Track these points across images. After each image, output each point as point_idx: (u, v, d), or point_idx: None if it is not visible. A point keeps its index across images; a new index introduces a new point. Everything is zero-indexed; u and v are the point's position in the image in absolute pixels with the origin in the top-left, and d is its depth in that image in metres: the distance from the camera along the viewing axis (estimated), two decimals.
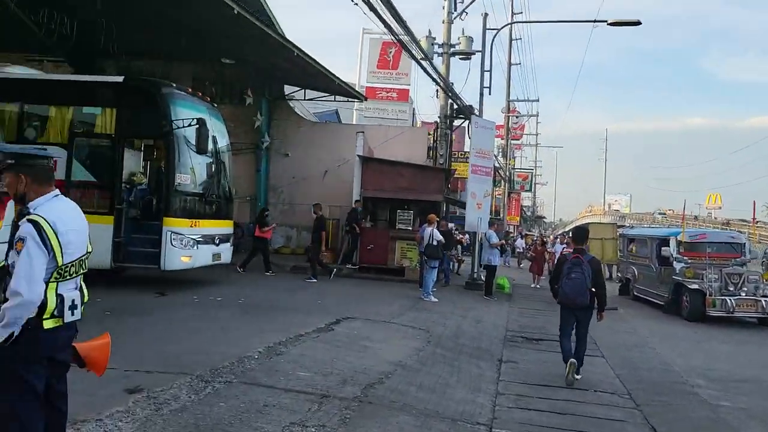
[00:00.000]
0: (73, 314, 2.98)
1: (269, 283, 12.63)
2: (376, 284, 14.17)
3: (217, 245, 11.17)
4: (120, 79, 10.42)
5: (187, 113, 10.03)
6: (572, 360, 6.97)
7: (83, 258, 3.05)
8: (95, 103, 10.31)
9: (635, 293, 16.86)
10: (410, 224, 15.74)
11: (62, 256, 2.86)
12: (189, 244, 10.25)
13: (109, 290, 10.06)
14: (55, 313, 2.87)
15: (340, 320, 8.89)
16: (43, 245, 2.79)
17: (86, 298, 3.13)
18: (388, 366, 6.57)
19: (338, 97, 19.62)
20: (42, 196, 2.95)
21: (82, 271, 3.05)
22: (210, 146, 10.54)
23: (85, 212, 9.02)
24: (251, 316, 8.77)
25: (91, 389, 4.66)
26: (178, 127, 9.86)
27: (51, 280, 2.85)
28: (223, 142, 11.64)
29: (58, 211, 2.93)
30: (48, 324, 2.85)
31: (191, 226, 10.31)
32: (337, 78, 16.36)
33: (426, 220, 13.01)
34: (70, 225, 2.97)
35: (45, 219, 2.82)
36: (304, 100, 19.79)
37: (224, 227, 11.53)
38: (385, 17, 10.93)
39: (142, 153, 11.22)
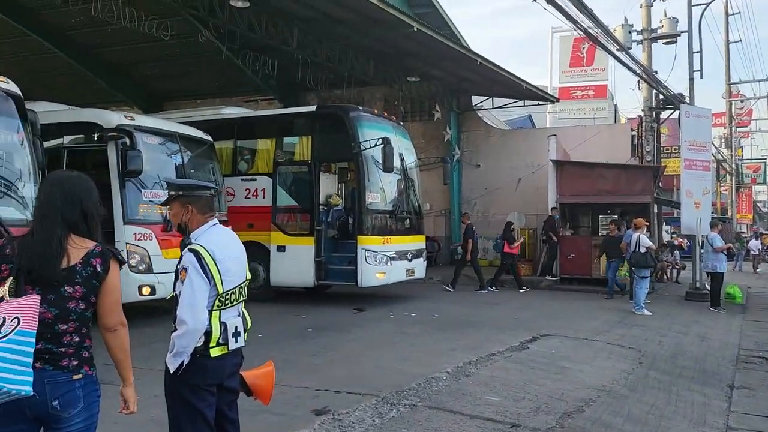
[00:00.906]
0: (237, 341, 3.00)
1: (466, 298, 12.41)
2: (578, 297, 13.20)
3: (410, 261, 11.29)
4: (312, 108, 11.15)
5: (373, 134, 10.34)
6: None
7: (242, 285, 3.08)
8: (293, 133, 11.14)
9: None
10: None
11: (222, 284, 2.90)
12: (383, 261, 10.49)
13: (313, 307, 10.72)
14: (220, 340, 2.91)
15: (537, 338, 8.34)
16: (204, 273, 2.84)
17: (249, 325, 3.15)
18: (589, 392, 5.92)
19: (528, 102, 18.91)
20: (202, 225, 3.04)
21: (242, 298, 3.08)
22: (397, 164, 10.72)
23: (289, 234, 9.69)
24: (443, 333, 8.62)
25: (283, 409, 4.85)
26: (366, 148, 10.21)
27: (213, 308, 2.90)
28: (410, 158, 11.79)
29: (216, 239, 3.00)
30: (214, 352, 2.90)
31: (384, 243, 10.55)
32: (524, 82, 15.75)
33: (631, 225, 11.79)
34: (228, 252, 3.01)
35: (204, 248, 2.89)
36: (492, 108, 19.42)
37: (416, 242, 11.63)
38: (570, 13, 10.21)
39: (336, 176, 11.83)
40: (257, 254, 10.95)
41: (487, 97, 18.74)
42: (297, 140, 11.02)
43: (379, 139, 10.10)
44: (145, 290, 8.57)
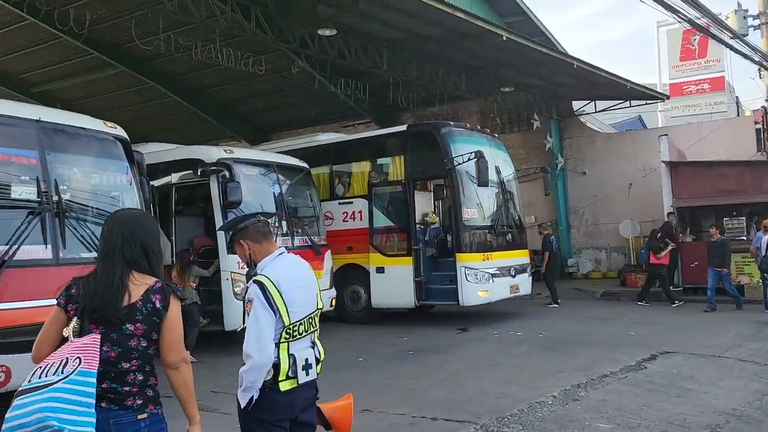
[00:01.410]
0: (307, 374, 2.87)
1: (576, 314, 11.73)
2: (704, 308, 12.07)
3: (514, 277, 10.87)
4: (404, 127, 11.12)
5: (466, 148, 10.12)
6: None
7: (312, 315, 2.97)
8: (386, 154, 11.16)
9: None
10: (743, 233, 13.14)
11: (288, 315, 2.79)
12: (484, 278, 10.18)
13: (416, 328, 10.57)
14: (290, 374, 2.81)
15: (656, 356, 7.66)
16: (269, 305, 2.76)
17: (322, 357, 3.03)
18: (716, 416, 5.30)
19: (634, 102, 17.82)
20: (266, 256, 2.95)
21: (312, 329, 2.97)
22: (493, 177, 10.42)
23: (387, 255, 9.64)
24: (550, 352, 8.16)
25: None
26: (459, 163, 10.01)
27: (281, 340, 2.80)
28: (507, 171, 11.43)
29: (282, 269, 2.89)
30: (284, 386, 2.80)
31: (484, 260, 10.24)
32: (627, 81, 14.86)
33: (761, 227, 10.65)
34: (295, 282, 2.90)
35: (269, 278, 2.81)
36: (596, 112, 18.47)
37: (519, 258, 11.19)
38: (672, 4, 9.51)
39: (432, 193, 11.69)
40: (357, 276, 11.04)
41: (588, 101, 17.88)
42: (390, 160, 11.03)
43: (472, 153, 9.86)
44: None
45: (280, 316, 2.78)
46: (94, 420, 2.16)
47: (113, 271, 2.38)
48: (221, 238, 8.80)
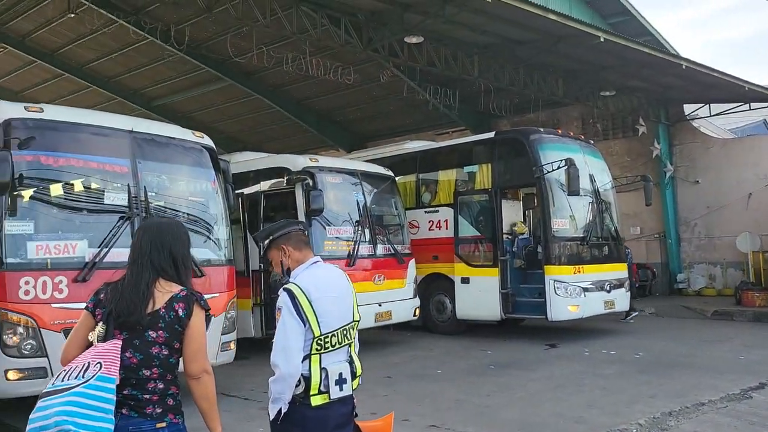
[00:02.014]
0: (341, 389, 2.72)
1: (682, 333, 10.83)
2: None
3: (609, 292, 10.22)
4: (491, 134, 10.84)
5: (556, 155, 9.68)
6: None
7: (347, 327, 2.81)
8: (473, 162, 10.91)
9: None
10: None
11: (319, 326, 2.66)
12: (575, 293, 9.65)
13: (503, 342, 10.22)
14: (322, 388, 2.68)
15: (765, 384, 6.87)
16: (297, 314, 2.65)
17: (359, 371, 2.89)
18: None
19: (755, 105, 16.26)
20: (301, 264, 2.87)
21: (347, 341, 2.81)
22: (586, 186, 9.90)
23: (473, 265, 9.44)
24: (644, 375, 7.56)
25: None
26: (548, 171, 9.59)
27: (312, 352, 2.68)
28: (603, 179, 10.79)
29: (314, 277, 2.79)
30: (316, 401, 2.67)
31: (575, 273, 9.72)
32: (746, 82, 13.58)
33: None
34: (327, 292, 2.77)
35: (299, 286, 2.71)
36: (710, 116, 17.06)
37: (615, 271, 10.51)
38: None
39: (520, 203, 11.28)
40: (443, 286, 10.86)
41: (702, 105, 16.56)
42: (477, 168, 10.77)
43: (562, 160, 9.41)
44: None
45: (310, 326, 2.67)
46: (111, 426, 2.16)
47: (140, 278, 2.41)
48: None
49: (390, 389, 7.12)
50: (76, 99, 20.31)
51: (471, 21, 11.12)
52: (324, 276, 2.86)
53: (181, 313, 2.38)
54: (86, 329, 2.41)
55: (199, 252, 6.72)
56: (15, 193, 5.48)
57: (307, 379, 2.67)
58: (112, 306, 2.36)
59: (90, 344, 2.35)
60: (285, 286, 2.75)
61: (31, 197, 5.62)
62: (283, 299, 2.70)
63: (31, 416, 2.18)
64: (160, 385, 2.35)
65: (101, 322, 2.36)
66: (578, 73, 14.15)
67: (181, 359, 2.43)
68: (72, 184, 5.82)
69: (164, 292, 2.41)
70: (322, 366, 2.70)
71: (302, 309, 2.66)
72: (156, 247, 2.47)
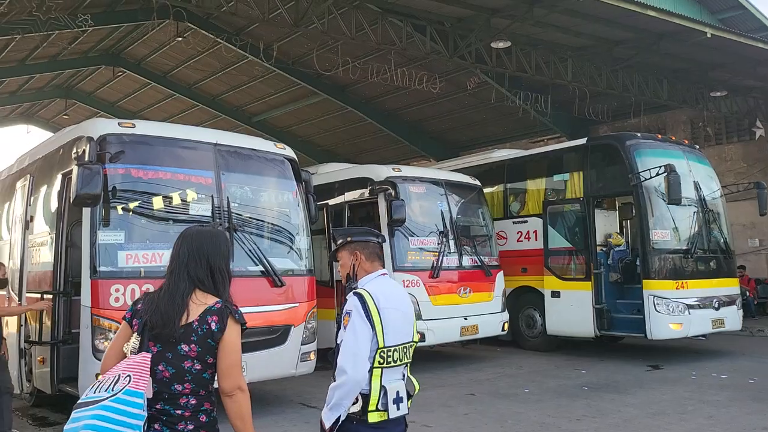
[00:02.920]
0: (398, 408, 2.64)
1: None
2: None
3: (717, 309, 9.33)
4: (583, 141, 10.27)
5: (655, 162, 8.99)
6: None
7: (408, 345, 2.74)
8: (564, 170, 10.39)
9: None
10: None
11: (383, 336, 2.60)
12: (678, 310, 8.89)
13: (599, 361, 9.61)
14: (380, 406, 2.60)
15: None
16: (367, 319, 2.60)
17: (416, 390, 2.79)
18: None
19: None
20: (369, 274, 2.82)
21: (406, 360, 2.73)
22: (689, 194, 9.13)
23: (563, 279, 9.02)
24: (758, 403, 6.79)
25: None
26: (646, 179, 8.91)
27: (375, 365, 2.60)
28: (711, 186, 9.91)
29: (381, 287, 2.74)
30: (373, 417, 2.59)
31: (677, 288, 8.95)
32: None
33: None
34: (392, 303, 2.71)
35: (369, 292, 2.67)
36: None
37: (725, 287, 9.59)
38: None
39: (617, 213, 10.60)
40: (532, 300, 10.42)
41: None
42: (568, 177, 10.24)
43: (661, 166, 8.73)
44: (415, 337, 8.74)
45: (376, 334, 2.60)
46: None
47: (176, 289, 2.33)
48: (387, 255, 8.90)
49: (472, 408, 6.86)
50: (185, 117, 21.65)
51: (562, 22, 10.68)
52: (391, 289, 2.82)
53: (213, 327, 2.28)
54: (124, 340, 2.36)
55: (280, 262, 6.84)
56: (107, 204, 5.79)
57: (365, 395, 2.59)
58: (147, 317, 2.30)
59: (124, 355, 2.31)
60: (355, 290, 2.71)
61: (122, 208, 5.93)
62: (353, 303, 2.65)
63: (65, 427, 2.16)
64: (193, 401, 2.27)
65: (136, 334, 2.31)
66: (684, 73, 13.19)
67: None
68: (160, 196, 6.09)
69: (199, 304, 2.32)
70: (382, 383, 2.62)
71: (371, 314, 2.61)
72: (193, 257, 2.39)
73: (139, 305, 2.38)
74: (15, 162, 8.37)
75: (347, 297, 2.71)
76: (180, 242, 2.47)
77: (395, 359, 2.64)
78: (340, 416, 2.58)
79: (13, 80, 19.51)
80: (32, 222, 6.73)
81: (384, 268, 2.90)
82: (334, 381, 2.60)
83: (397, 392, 2.64)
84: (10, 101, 22.06)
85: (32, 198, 6.89)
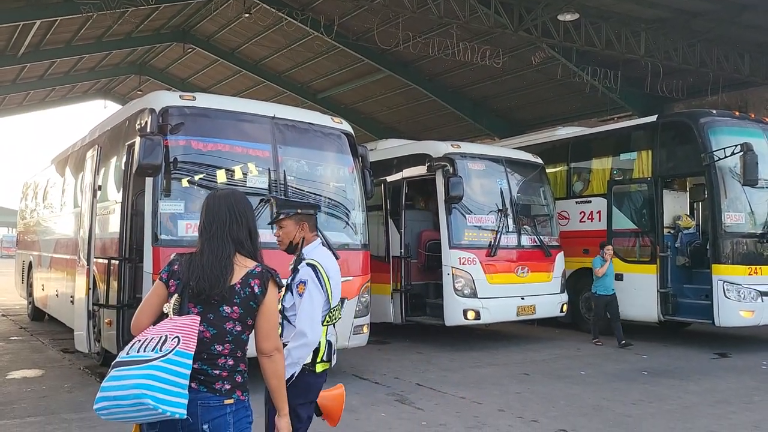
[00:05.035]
0: (335, 359, 3.13)
1: None
2: None
3: None
4: (653, 118, 9.77)
5: (731, 141, 8.47)
6: None
7: (340, 303, 3.21)
8: (631, 148, 9.98)
9: None
10: None
11: (332, 299, 3.03)
12: (750, 296, 8.44)
13: (662, 346, 9.30)
14: (324, 357, 3.03)
15: None
16: (321, 286, 2.97)
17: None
18: None
19: None
20: (311, 243, 3.13)
21: (339, 316, 3.17)
22: (767, 175, 8.55)
23: (627, 261, 8.76)
24: None
25: None
26: (720, 158, 8.42)
27: (325, 322, 3.02)
28: None
29: (324, 257, 3.11)
30: (319, 368, 3.01)
31: (750, 274, 8.48)
32: None
33: None
34: (334, 270, 3.11)
35: (319, 263, 3.02)
36: None
37: None
38: None
39: (687, 194, 10.08)
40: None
41: None
42: (635, 156, 9.81)
43: (736, 146, 8.22)
44: (470, 314, 8.70)
45: (328, 297, 3.00)
46: (186, 401, 2.14)
47: (222, 251, 2.35)
48: (444, 232, 8.84)
49: (524, 387, 6.77)
50: (252, 93, 22.06)
51: None
52: (331, 258, 3.17)
53: (257, 290, 2.33)
54: (158, 299, 2.40)
55: (336, 236, 6.89)
56: (168, 175, 5.98)
57: (315, 348, 2.98)
58: (191, 279, 2.32)
59: (164, 315, 2.35)
60: (307, 261, 3.03)
61: (182, 179, 6.11)
62: (308, 273, 2.99)
63: (103, 384, 2.16)
64: (230, 362, 2.31)
65: (176, 295, 2.34)
66: None
67: (251, 336, 2.40)
68: (218, 168, 6.23)
69: (241, 266, 2.36)
70: (328, 338, 3.06)
71: (324, 281, 2.99)
72: (235, 219, 2.42)
73: (176, 266, 2.40)
74: (87, 134, 8.79)
75: (299, 267, 3.03)
76: (218, 203, 2.47)
77: (337, 317, 3.11)
78: (294, 372, 2.88)
79: (91, 57, 20.39)
80: (100, 191, 7.06)
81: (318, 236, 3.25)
82: (291, 342, 2.90)
83: (332, 344, 3.09)
84: (89, 77, 23.13)
85: (100, 168, 7.22)
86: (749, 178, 8.12)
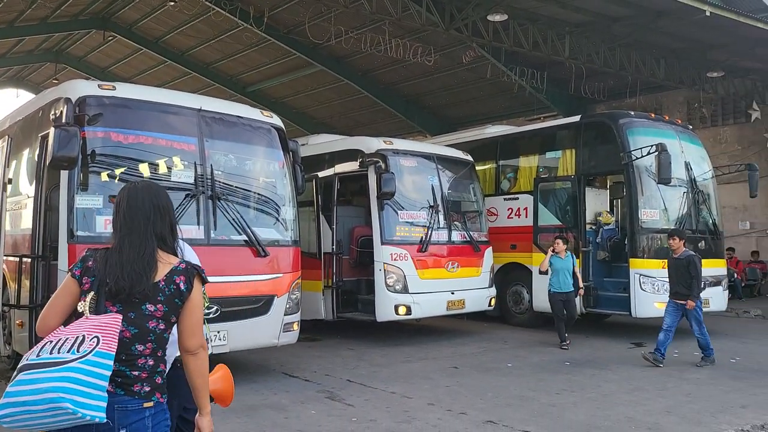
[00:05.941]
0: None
1: None
2: None
3: (703, 290, 9.31)
4: (577, 118, 10.17)
5: (647, 141, 8.92)
6: None
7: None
8: (556, 147, 10.33)
9: None
10: None
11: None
12: (663, 288, 8.87)
13: (583, 339, 9.62)
14: None
15: None
16: None
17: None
18: None
19: None
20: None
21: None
22: (679, 174, 9.08)
23: None
24: (737, 382, 6.83)
25: None
26: (637, 158, 8.85)
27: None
28: (702, 168, 9.86)
29: (191, 254, 3.07)
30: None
31: (664, 267, 8.91)
32: None
33: None
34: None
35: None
36: None
37: (711, 268, 9.54)
38: None
39: (607, 191, 10.54)
40: (520, 276, 10.43)
41: None
42: (560, 154, 10.17)
43: (652, 146, 8.65)
44: (402, 310, 8.74)
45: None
46: (105, 404, 2.02)
47: (144, 247, 2.23)
48: (376, 228, 8.85)
49: (454, 380, 6.87)
50: (178, 85, 21.35)
51: None
52: (194, 254, 3.14)
53: (182, 286, 2.23)
54: (70, 297, 2.25)
55: (265, 232, 6.74)
56: (85, 168, 5.67)
57: None
58: (108, 277, 2.19)
59: (78, 314, 2.20)
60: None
61: (100, 173, 5.79)
62: None
63: (8, 389, 2.01)
64: (150, 362, 2.20)
65: (92, 292, 2.20)
66: (682, 53, 13.04)
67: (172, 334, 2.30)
68: (140, 161, 5.97)
69: (164, 263, 2.25)
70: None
71: None
72: (158, 213, 2.30)
73: (90, 262, 2.25)
74: None
75: None
76: (139, 196, 2.33)
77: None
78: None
79: (2, 43, 19.17)
80: (10, 184, 6.63)
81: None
82: None
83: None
84: (0, 64, 21.72)
85: (11, 160, 6.78)
86: (663, 177, 8.55)
